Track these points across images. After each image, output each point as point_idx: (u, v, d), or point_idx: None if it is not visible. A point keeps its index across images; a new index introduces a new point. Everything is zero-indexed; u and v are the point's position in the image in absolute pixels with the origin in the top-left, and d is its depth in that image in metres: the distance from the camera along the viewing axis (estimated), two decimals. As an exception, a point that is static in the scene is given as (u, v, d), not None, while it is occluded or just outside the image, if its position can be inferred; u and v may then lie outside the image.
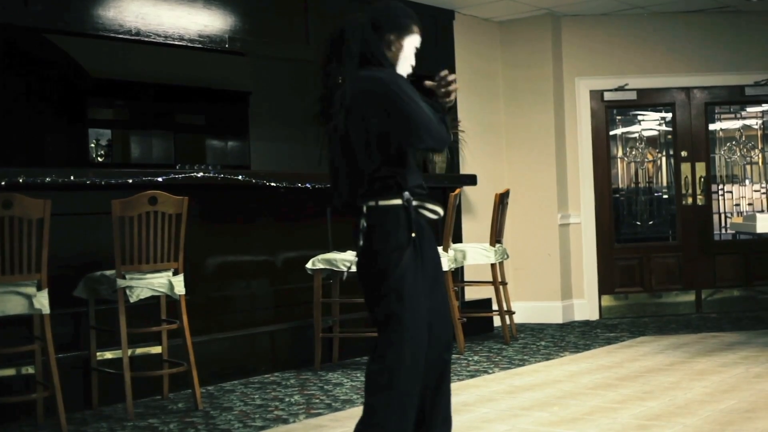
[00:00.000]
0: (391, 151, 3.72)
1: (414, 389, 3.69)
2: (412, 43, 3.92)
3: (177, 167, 6.77)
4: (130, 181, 6.13)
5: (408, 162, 3.79)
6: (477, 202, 9.51)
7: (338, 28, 3.86)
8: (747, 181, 10.53)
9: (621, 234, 10.43)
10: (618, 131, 10.47)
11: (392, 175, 3.73)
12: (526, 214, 9.86)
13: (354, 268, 5.70)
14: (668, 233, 10.47)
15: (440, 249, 6.57)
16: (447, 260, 7.55)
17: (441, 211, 3.90)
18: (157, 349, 6.26)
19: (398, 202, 3.73)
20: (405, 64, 3.92)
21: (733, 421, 5.05)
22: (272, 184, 7.07)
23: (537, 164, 9.94)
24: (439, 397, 3.87)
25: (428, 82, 3.89)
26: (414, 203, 3.75)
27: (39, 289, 5.25)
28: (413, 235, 3.71)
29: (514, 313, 8.74)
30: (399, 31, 3.89)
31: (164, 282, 5.77)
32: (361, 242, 3.76)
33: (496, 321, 9.26)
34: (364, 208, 3.75)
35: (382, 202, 3.73)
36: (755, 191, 10.50)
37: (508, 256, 8.68)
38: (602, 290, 10.17)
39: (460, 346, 7.82)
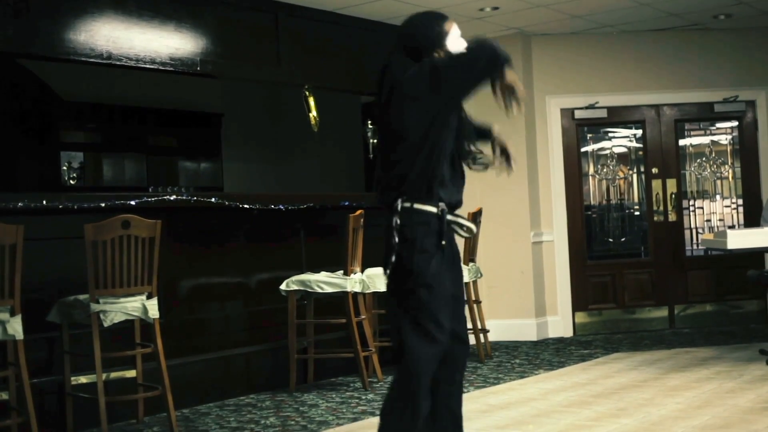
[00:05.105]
0: None
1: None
2: None
3: (150, 189, 6.78)
4: (103, 204, 6.12)
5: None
6: (450, 220, 9.52)
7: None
8: (717, 197, 10.61)
9: (593, 251, 10.48)
10: (589, 148, 10.53)
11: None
12: (499, 233, 9.88)
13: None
14: (640, 249, 10.54)
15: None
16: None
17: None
18: (131, 373, 6.24)
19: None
20: None
21: (706, 437, 5.09)
22: (245, 206, 7.07)
23: (509, 183, 9.90)
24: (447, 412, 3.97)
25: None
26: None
27: (12, 314, 5.22)
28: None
29: (488, 331, 8.77)
30: None
31: (138, 306, 5.76)
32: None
33: (471, 339, 9.26)
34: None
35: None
36: (726, 207, 10.58)
37: (481, 275, 8.71)
38: (576, 307, 10.21)
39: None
